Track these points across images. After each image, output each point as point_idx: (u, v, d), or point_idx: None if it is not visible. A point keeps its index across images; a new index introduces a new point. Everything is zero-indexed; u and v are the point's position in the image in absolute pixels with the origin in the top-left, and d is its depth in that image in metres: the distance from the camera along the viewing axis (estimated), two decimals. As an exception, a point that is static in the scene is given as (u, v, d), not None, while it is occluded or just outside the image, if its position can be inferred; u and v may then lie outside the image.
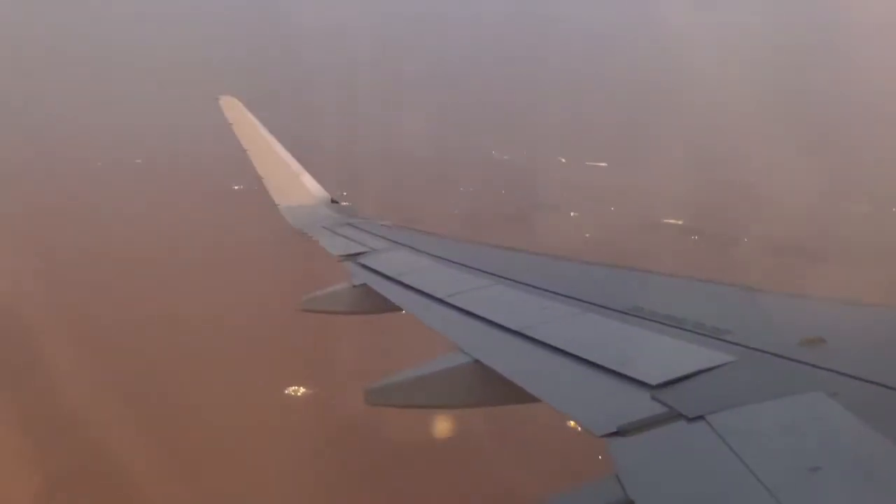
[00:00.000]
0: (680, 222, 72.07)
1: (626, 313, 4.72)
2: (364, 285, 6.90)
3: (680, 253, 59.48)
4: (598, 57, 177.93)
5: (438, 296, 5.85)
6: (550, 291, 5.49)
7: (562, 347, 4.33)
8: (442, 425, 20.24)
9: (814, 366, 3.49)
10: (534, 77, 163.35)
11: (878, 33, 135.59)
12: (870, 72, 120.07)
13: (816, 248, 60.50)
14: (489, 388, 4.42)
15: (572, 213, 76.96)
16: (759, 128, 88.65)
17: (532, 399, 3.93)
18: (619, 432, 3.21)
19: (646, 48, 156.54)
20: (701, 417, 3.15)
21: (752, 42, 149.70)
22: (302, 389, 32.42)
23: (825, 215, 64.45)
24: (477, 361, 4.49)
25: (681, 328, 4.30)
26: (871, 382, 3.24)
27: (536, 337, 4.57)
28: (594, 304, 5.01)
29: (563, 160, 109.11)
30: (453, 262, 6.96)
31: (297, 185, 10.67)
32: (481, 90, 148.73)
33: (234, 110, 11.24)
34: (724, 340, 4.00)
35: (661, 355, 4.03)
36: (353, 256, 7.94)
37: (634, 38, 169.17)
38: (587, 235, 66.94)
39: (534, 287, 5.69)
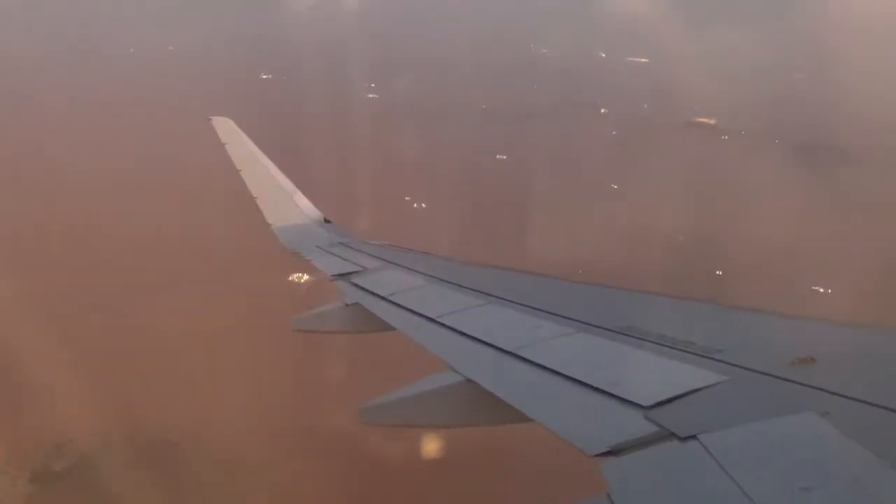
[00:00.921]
0: (712, 122, 70.98)
1: (618, 333, 4.77)
2: (357, 304, 6.92)
3: (704, 152, 59.33)
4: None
5: (431, 315, 5.90)
6: (543, 311, 5.51)
7: (554, 367, 4.36)
8: (433, 444, 20.49)
9: (805, 385, 3.52)
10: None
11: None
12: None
13: (849, 150, 59.75)
14: (482, 408, 4.47)
15: (603, 110, 76.14)
16: (803, 33, 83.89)
17: (524, 419, 3.96)
18: (612, 452, 3.25)
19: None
20: (693, 437, 3.20)
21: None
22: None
23: (861, 120, 62.70)
24: (469, 381, 4.54)
25: (672, 348, 4.33)
26: (862, 402, 3.27)
27: (529, 357, 4.60)
28: (587, 324, 5.05)
29: (604, 55, 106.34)
30: (446, 282, 7.01)
31: (290, 205, 10.68)
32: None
33: (227, 130, 11.25)
34: (716, 360, 4.03)
35: (654, 375, 4.07)
36: (345, 276, 7.95)
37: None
38: (613, 133, 66.81)
39: (526, 306, 5.73)
